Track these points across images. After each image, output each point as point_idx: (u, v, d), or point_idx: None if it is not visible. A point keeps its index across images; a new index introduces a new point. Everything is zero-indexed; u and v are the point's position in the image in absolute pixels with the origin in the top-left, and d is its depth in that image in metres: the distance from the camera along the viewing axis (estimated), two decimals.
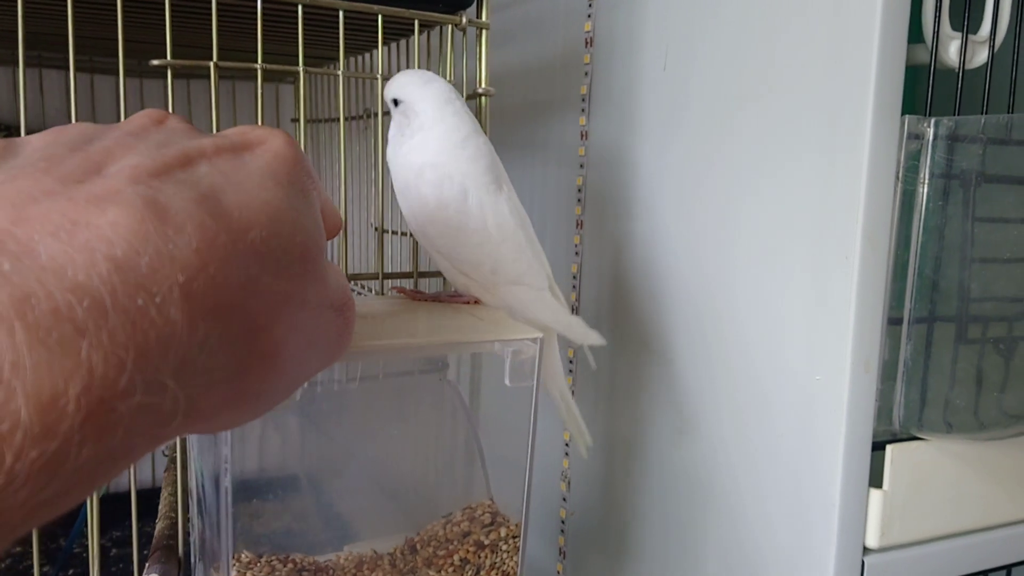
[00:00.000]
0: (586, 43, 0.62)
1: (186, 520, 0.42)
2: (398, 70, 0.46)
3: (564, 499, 0.67)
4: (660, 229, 0.55)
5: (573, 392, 0.65)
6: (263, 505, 0.36)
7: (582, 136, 0.63)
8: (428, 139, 0.40)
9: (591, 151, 0.63)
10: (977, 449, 0.45)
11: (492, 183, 0.42)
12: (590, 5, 0.61)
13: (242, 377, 0.19)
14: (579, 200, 0.64)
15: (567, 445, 0.66)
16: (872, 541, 0.43)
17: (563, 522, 0.67)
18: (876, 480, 0.43)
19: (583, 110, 0.63)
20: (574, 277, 0.65)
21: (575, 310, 0.65)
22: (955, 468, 0.45)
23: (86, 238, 0.16)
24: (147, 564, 0.40)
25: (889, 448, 0.43)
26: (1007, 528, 0.47)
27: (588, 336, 0.43)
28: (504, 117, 0.72)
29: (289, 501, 0.37)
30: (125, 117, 0.35)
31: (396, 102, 0.41)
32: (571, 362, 0.66)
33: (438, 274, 0.47)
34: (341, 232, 0.37)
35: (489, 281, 0.42)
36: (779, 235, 0.45)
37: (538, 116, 0.69)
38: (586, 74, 0.62)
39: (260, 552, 0.35)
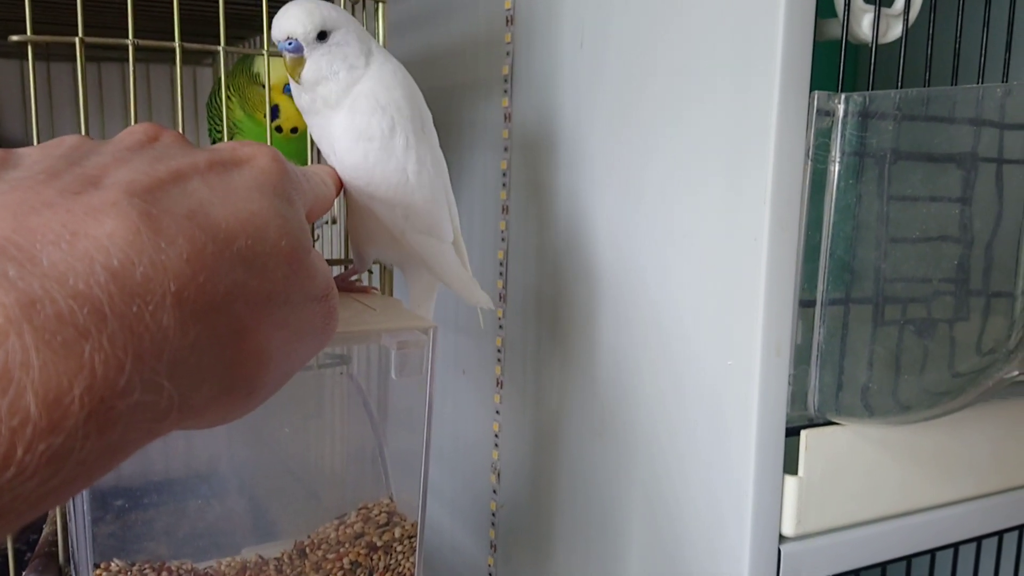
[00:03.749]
0: (507, 21, 0.60)
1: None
2: None
3: (495, 491, 0.65)
4: (580, 213, 0.53)
5: (501, 383, 0.64)
6: (137, 510, 0.34)
7: (506, 118, 0.61)
8: (375, 67, 0.38)
9: (515, 133, 0.61)
10: (895, 433, 0.44)
11: (416, 118, 0.40)
12: None
13: (231, 374, 0.20)
14: (504, 184, 0.62)
15: (496, 436, 0.65)
16: (788, 529, 0.42)
17: (494, 515, 0.65)
18: (791, 467, 0.42)
19: (506, 91, 0.61)
20: (501, 263, 0.63)
21: (502, 297, 0.63)
22: (872, 453, 0.44)
23: (85, 248, 0.17)
24: (24, 572, 0.38)
25: (804, 433, 0.42)
26: (928, 513, 0.47)
27: (480, 299, 0.44)
28: (428, 101, 0.69)
29: (168, 505, 0.35)
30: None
31: (323, 35, 0.37)
32: (499, 351, 0.64)
33: (339, 262, 0.45)
34: None
35: (397, 228, 0.40)
36: (688, 217, 0.44)
37: (462, 99, 0.67)
38: (508, 53, 0.60)
39: (132, 560, 0.33)
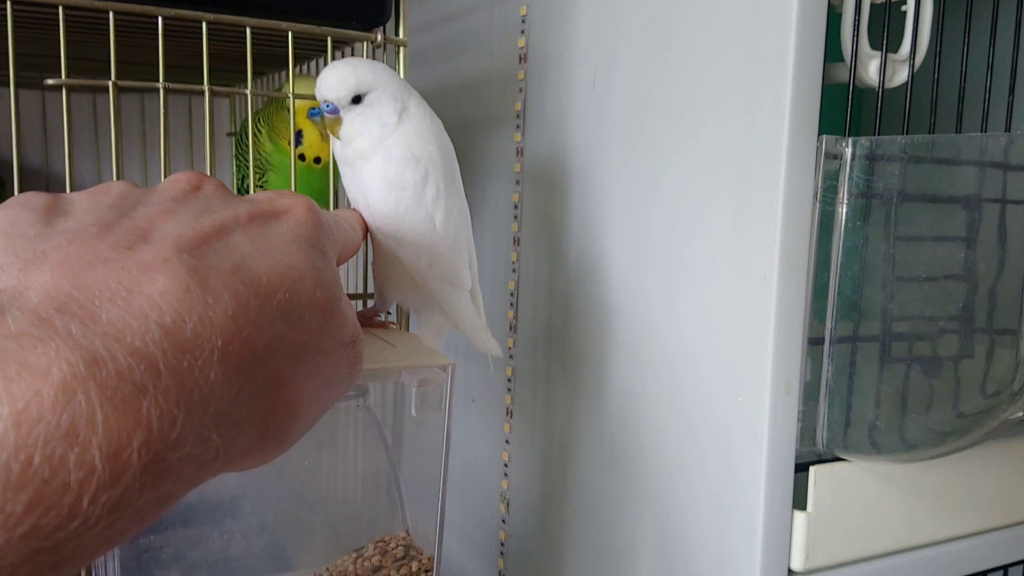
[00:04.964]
0: (520, 59, 0.62)
1: None
2: None
3: (504, 521, 0.66)
4: (590, 247, 0.54)
5: (511, 412, 0.64)
6: (156, 539, 0.35)
7: (518, 152, 0.63)
8: (410, 122, 0.40)
9: (527, 167, 0.62)
10: (901, 469, 0.45)
11: (448, 171, 0.42)
12: (523, 21, 0.61)
13: (267, 423, 0.20)
14: (515, 217, 0.64)
15: (506, 466, 0.65)
16: (797, 564, 0.43)
17: (503, 544, 0.66)
18: (800, 502, 0.43)
19: (518, 126, 0.62)
20: (511, 294, 0.64)
21: (512, 328, 0.64)
22: (879, 488, 0.45)
23: (139, 305, 0.18)
24: None
25: (812, 469, 0.43)
26: (934, 547, 0.47)
27: (491, 347, 0.46)
28: None
29: (186, 536, 0.36)
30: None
31: (358, 98, 0.40)
32: (510, 381, 0.65)
33: (358, 296, 0.46)
34: None
35: (420, 274, 0.41)
36: (698, 257, 0.45)
37: (475, 133, 0.68)
38: (520, 90, 0.62)
39: None
